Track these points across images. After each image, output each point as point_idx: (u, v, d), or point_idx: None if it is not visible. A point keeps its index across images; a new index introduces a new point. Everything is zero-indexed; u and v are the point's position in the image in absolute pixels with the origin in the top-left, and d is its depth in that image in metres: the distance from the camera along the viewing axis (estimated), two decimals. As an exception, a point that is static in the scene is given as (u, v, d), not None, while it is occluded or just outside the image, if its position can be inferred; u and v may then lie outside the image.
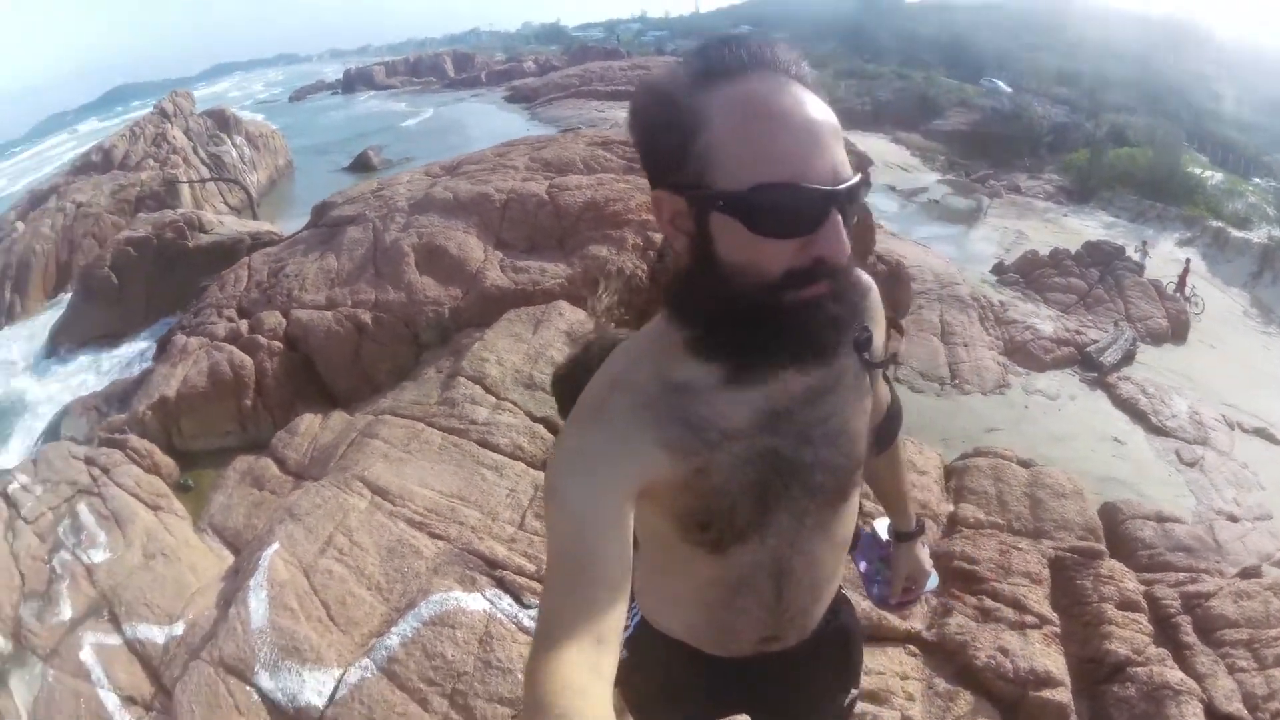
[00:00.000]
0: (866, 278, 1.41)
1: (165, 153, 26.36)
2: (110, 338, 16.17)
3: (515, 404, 5.48)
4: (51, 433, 11.02)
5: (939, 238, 22.61)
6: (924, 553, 2.00)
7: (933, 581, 2.06)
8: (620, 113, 33.17)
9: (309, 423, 7.53)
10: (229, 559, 6.10)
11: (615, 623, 1.00)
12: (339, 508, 5.08)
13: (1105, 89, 46.65)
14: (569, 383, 1.51)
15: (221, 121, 29.19)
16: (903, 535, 1.98)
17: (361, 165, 30.10)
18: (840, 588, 1.73)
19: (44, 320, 20.35)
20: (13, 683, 5.68)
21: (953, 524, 4.58)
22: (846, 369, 1.31)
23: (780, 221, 1.01)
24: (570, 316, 5.69)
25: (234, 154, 27.87)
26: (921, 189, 29.42)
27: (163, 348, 10.83)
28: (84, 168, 28.08)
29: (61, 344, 17.29)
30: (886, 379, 1.77)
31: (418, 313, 7.81)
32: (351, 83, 70.70)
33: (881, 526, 2.02)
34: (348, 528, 4.89)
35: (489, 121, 35.43)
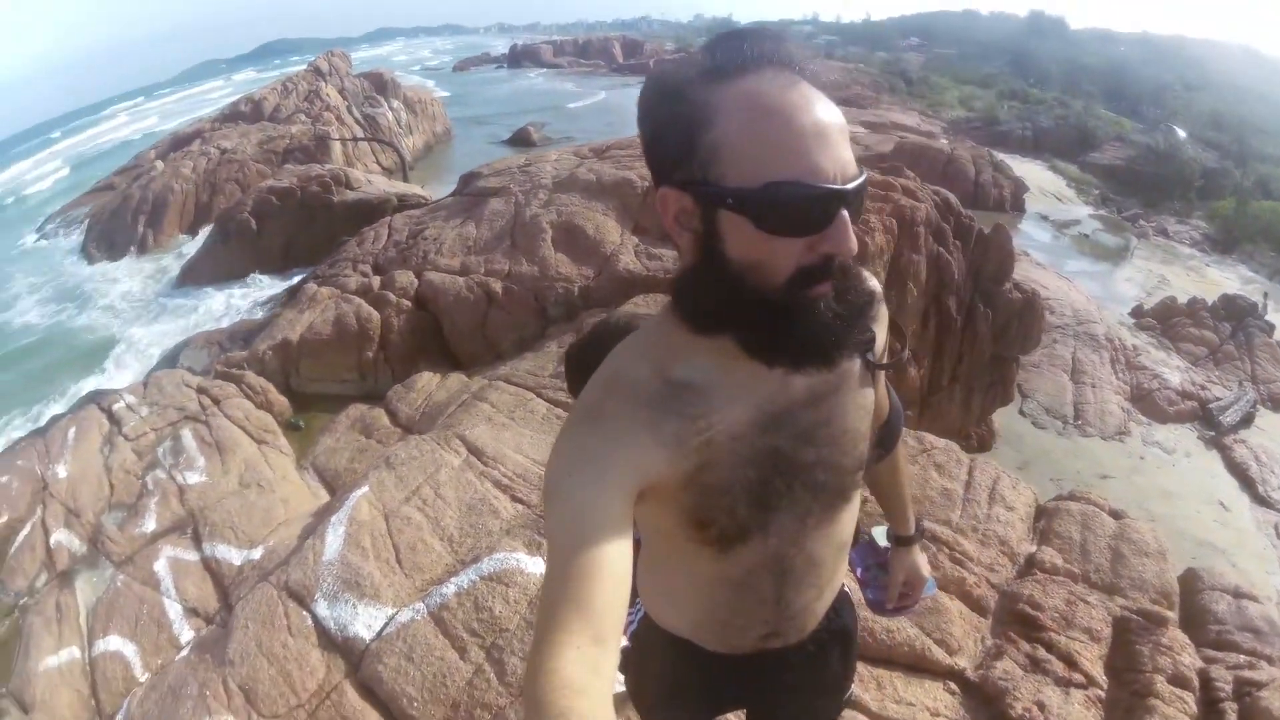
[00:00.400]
0: (873, 281, 1.39)
1: (318, 109, 27.38)
2: (240, 280, 16.92)
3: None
4: (169, 361, 11.45)
5: (1084, 273, 22.28)
6: (921, 558, 1.99)
7: (930, 588, 2.05)
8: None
9: (426, 380, 7.68)
10: (324, 499, 6.25)
11: (615, 622, 1.00)
12: (433, 461, 5.16)
13: (1257, 136, 45.35)
14: (579, 363, 1.55)
15: (379, 84, 30.17)
16: (901, 539, 1.97)
17: (521, 140, 30.71)
18: (843, 586, 1.74)
19: (174, 255, 21.57)
20: (78, 582, 5.96)
21: (1029, 566, 4.43)
22: (850, 371, 1.32)
23: (790, 219, 1.02)
24: None
25: (390, 117, 28.73)
26: (1074, 221, 29.00)
27: (293, 294, 11.26)
28: (231, 116, 29.62)
29: (191, 280, 18.25)
30: (888, 384, 1.76)
31: (548, 287, 7.92)
32: (518, 58, 72.36)
33: (879, 533, 2.02)
34: (437, 481, 4.96)
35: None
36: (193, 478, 6.81)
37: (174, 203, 23.49)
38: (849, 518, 1.49)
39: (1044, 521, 4.72)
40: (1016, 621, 4.08)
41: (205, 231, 20.68)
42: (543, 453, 5.07)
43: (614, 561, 1.02)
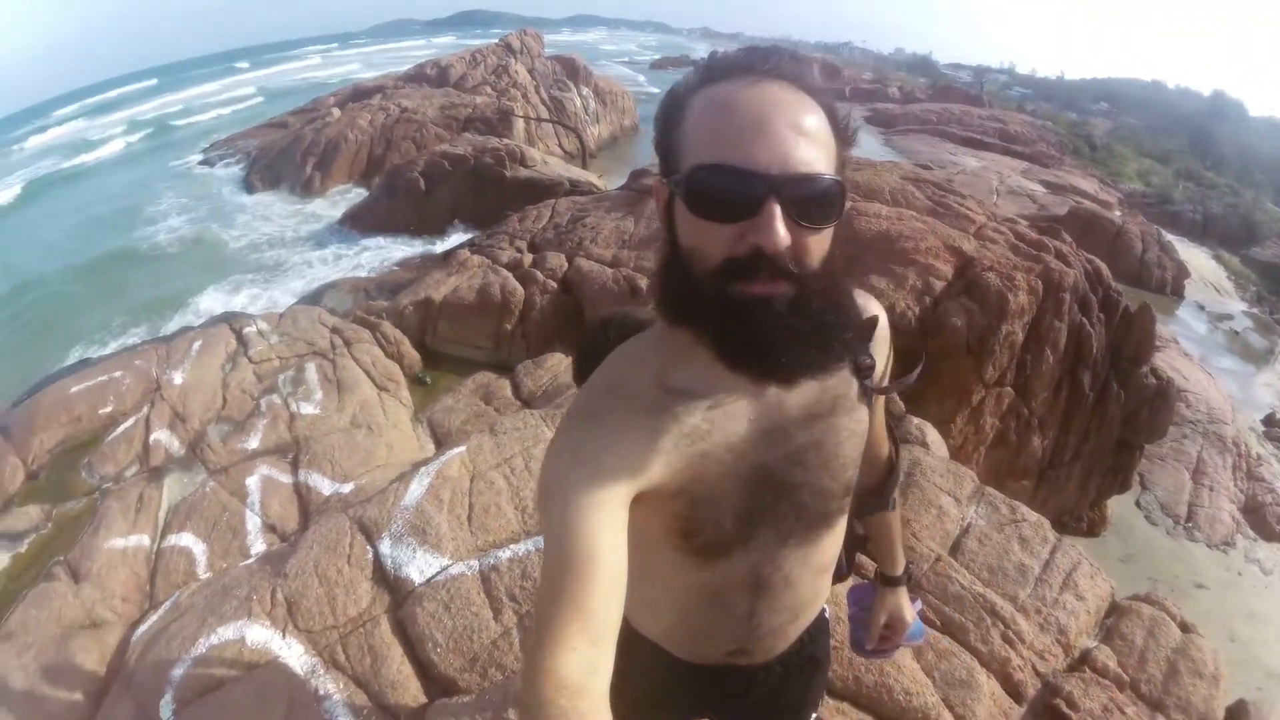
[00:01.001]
0: (873, 304, 1.44)
1: (505, 85, 28.10)
2: (398, 235, 17.55)
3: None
4: (311, 299, 12.00)
5: (1227, 371, 21.24)
6: (905, 602, 2.00)
7: (915, 633, 2.05)
8: (973, 160, 32.51)
9: (556, 360, 7.86)
10: (430, 452, 6.45)
11: (612, 623, 1.05)
12: (533, 435, 5.27)
13: None
14: (590, 356, 1.52)
15: (571, 69, 30.68)
16: (887, 580, 1.98)
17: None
18: (824, 614, 1.77)
19: (334, 201, 22.59)
20: (167, 479, 6.39)
21: (1081, 661, 4.29)
22: (845, 393, 1.35)
23: (713, 203, 1.06)
24: None
25: (577, 103, 29.21)
26: (1228, 315, 27.47)
27: (445, 257, 11.62)
28: (415, 77, 30.99)
29: (351, 225, 19.09)
30: (893, 435, 1.77)
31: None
32: (720, 66, 72.87)
33: None
34: (530, 454, 5.04)
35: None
36: (306, 408, 7.19)
37: (346, 150, 24.62)
38: (831, 543, 1.51)
39: (1113, 618, 4.60)
40: (1048, 716, 4.02)
41: (373, 184, 21.55)
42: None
43: (610, 563, 1.07)
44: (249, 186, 27.29)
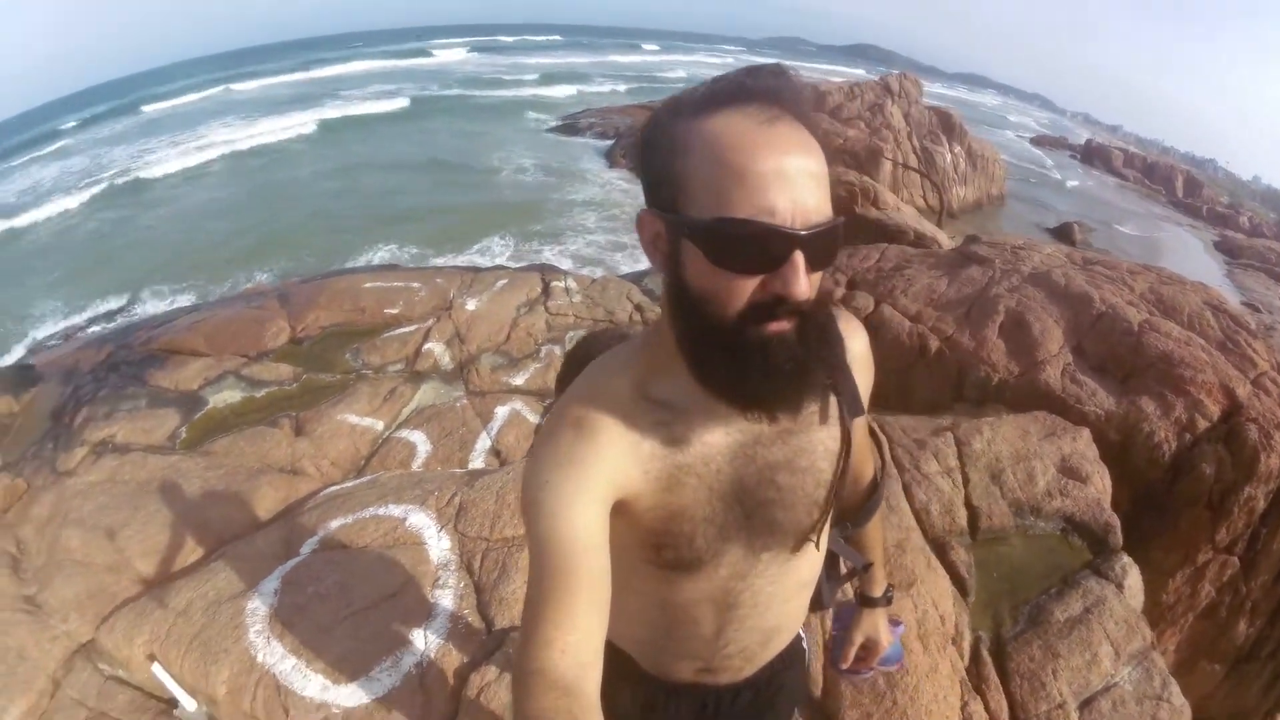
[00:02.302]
0: (854, 326, 1.46)
1: (879, 124, 27.83)
2: None
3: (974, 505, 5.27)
4: (635, 278, 12.46)
5: None
6: (883, 624, 2.01)
7: (892, 658, 2.08)
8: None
9: None
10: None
11: (599, 626, 1.09)
12: None
13: None
14: (570, 370, 1.60)
15: (946, 124, 30.07)
16: (866, 600, 1.99)
17: (1063, 235, 29.61)
18: (801, 642, 1.81)
19: None
20: (425, 385, 7.03)
21: None
22: (821, 410, 1.37)
23: (740, 257, 1.06)
24: (1085, 451, 5.40)
25: (948, 159, 28.62)
26: None
27: None
28: None
29: None
30: (881, 454, 1.71)
31: (974, 366, 7.83)
32: (1091, 154, 69.37)
33: None
34: None
35: (1188, 260, 32.83)
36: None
37: None
38: (806, 565, 1.52)
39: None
40: None
41: None
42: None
43: (595, 567, 1.12)
44: (610, 160, 28.59)
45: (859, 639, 2.00)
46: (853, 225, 15.92)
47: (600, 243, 21.12)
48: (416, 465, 6.09)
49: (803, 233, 1.03)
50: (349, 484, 5.58)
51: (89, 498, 5.88)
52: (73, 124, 60.66)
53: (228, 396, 7.51)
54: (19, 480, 6.60)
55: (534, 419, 6.49)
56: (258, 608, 4.28)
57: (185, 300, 18.90)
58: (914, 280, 9.79)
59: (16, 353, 16.97)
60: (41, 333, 18.78)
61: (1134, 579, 4.43)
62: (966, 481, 5.06)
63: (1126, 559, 4.50)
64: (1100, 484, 4.98)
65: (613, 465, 1.21)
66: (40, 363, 9.97)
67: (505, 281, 9.15)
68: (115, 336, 10.39)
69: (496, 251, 20.00)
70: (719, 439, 1.28)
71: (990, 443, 5.29)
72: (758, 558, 1.41)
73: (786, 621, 1.61)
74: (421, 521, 4.66)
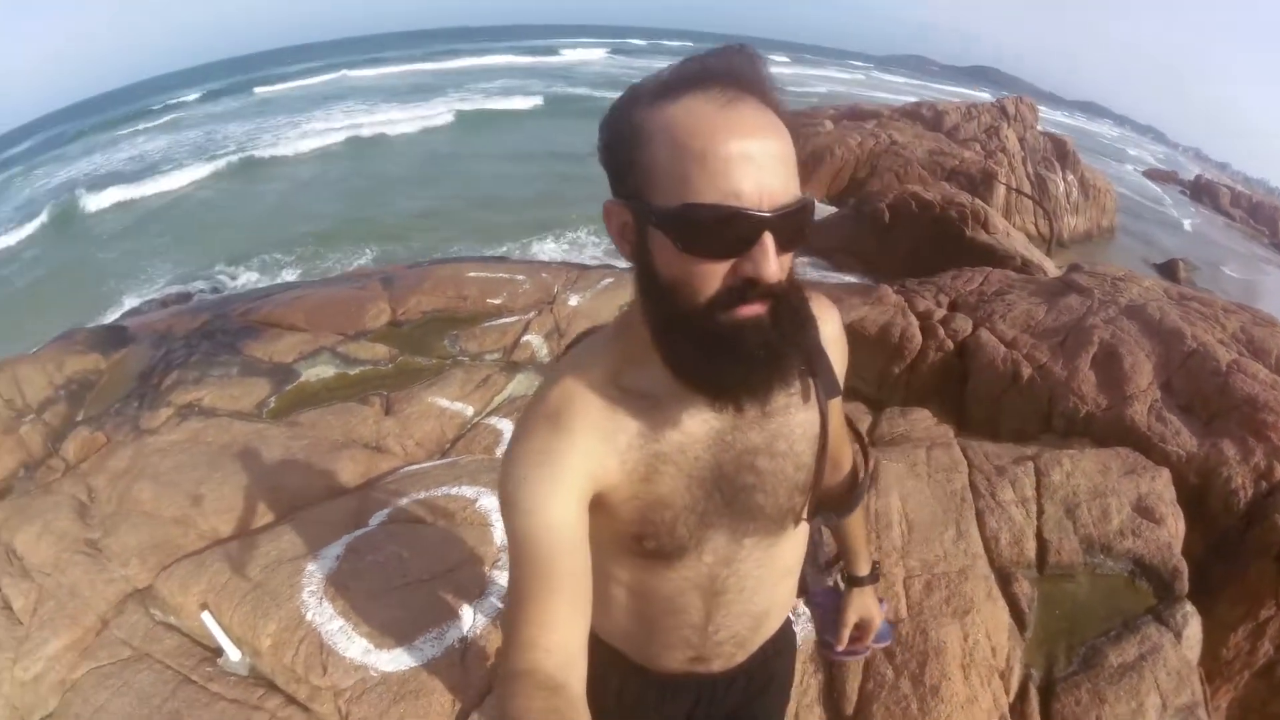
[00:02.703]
0: (826, 307, 1.46)
1: (994, 147, 27.50)
2: (844, 257, 18.03)
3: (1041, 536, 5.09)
4: None
5: None
6: (873, 601, 1.99)
7: (884, 634, 2.06)
8: None
9: (922, 417, 7.76)
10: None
11: (581, 622, 1.10)
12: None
13: None
14: None
15: (1060, 151, 29.48)
16: (854, 580, 1.96)
17: (1168, 272, 28.93)
18: (792, 624, 1.82)
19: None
20: (520, 375, 7.54)
21: None
22: (798, 393, 1.35)
23: (708, 242, 1.05)
24: (1162, 492, 5.21)
25: (1060, 187, 28.06)
26: None
27: (869, 288, 11.83)
28: (910, 114, 31.46)
29: (812, 242, 19.46)
30: (860, 440, 1.75)
31: (1064, 396, 7.70)
32: (1199, 191, 67.57)
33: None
34: None
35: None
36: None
37: (830, 164, 25.37)
38: (790, 548, 1.52)
39: None
40: None
41: (846, 204, 22.22)
42: (919, 510, 4.99)
43: (574, 563, 1.13)
44: None
45: (853, 619, 1.97)
46: (961, 247, 15.94)
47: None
48: (499, 452, 6.13)
49: (770, 214, 1.02)
50: (429, 464, 5.69)
51: (168, 455, 6.07)
52: (190, 98, 63.28)
53: (321, 371, 7.75)
54: (99, 434, 6.90)
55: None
56: (315, 570, 4.38)
57: (288, 276, 19.33)
58: (1013, 306, 9.68)
59: (112, 314, 17.58)
60: (139, 297, 19.41)
61: (1194, 629, 4.25)
62: (1040, 513, 4.94)
63: (1189, 607, 4.32)
64: (1174, 527, 4.79)
65: (588, 458, 1.21)
66: (133, 325, 10.35)
67: (610, 280, 9.24)
68: (213, 306, 10.75)
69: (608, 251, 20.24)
70: (696, 426, 1.27)
71: (1069, 475, 5.16)
72: (741, 544, 1.40)
73: (775, 606, 1.61)
74: (492, 504, 4.71)
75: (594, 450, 1.21)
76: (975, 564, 4.42)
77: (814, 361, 1.36)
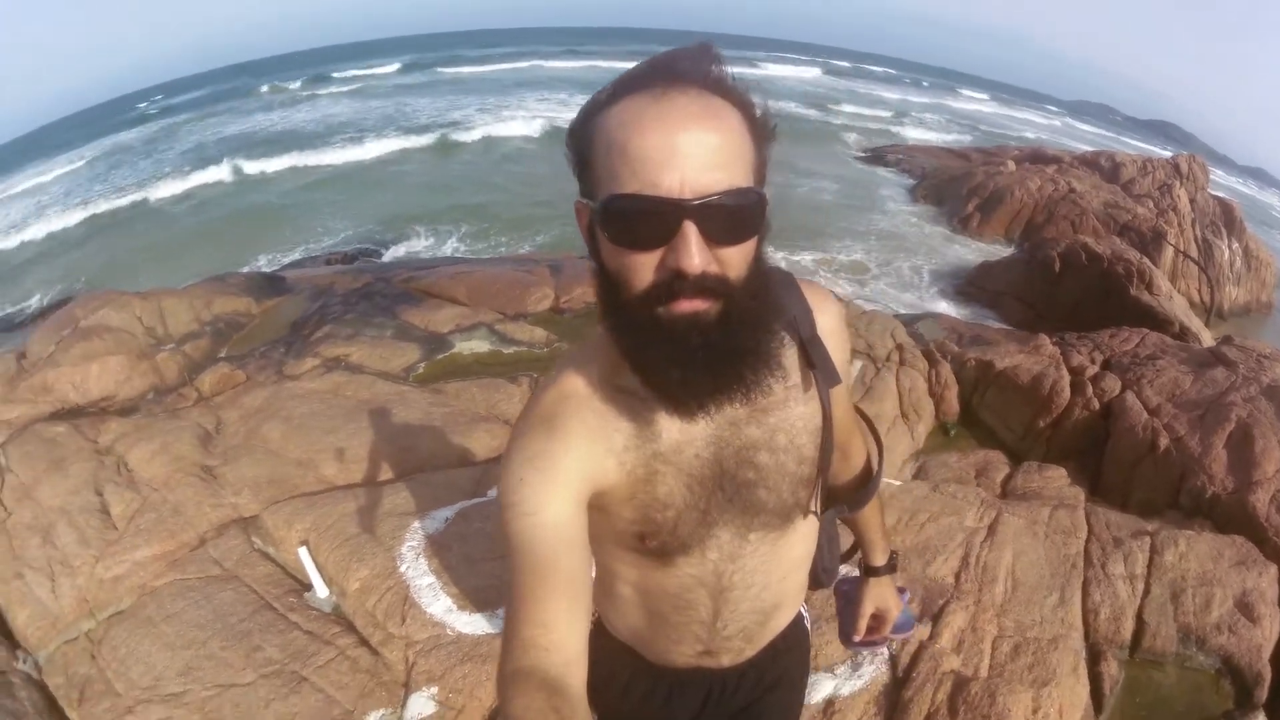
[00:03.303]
0: (824, 298, 1.42)
1: (1166, 205, 26.49)
2: (1011, 301, 17.87)
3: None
4: (909, 320, 12.79)
5: None
6: (891, 592, 1.94)
7: (905, 622, 2.02)
8: None
9: (1057, 475, 7.72)
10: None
11: (579, 623, 1.08)
12: (959, 526, 5.23)
13: None
14: None
15: (1228, 216, 28.07)
16: (870, 570, 1.92)
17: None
18: (804, 620, 1.81)
19: (978, 246, 23.57)
20: None
21: None
22: (794, 387, 1.33)
23: (630, 232, 1.04)
24: (1265, 590, 4.86)
25: (1225, 255, 26.86)
26: None
27: (1025, 336, 11.65)
28: (1089, 162, 30.54)
29: (974, 275, 19.85)
30: (874, 431, 1.69)
31: (1194, 473, 7.40)
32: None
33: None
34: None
35: None
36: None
37: (1009, 205, 25.06)
38: (798, 541, 1.50)
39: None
40: None
41: (1020, 246, 21.99)
42: (1029, 572, 4.86)
43: (573, 562, 1.12)
44: (914, 196, 29.61)
45: (869, 610, 1.94)
46: (1124, 305, 15.51)
47: (875, 273, 21.03)
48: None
49: (690, 202, 1.00)
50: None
51: (304, 402, 6.33)
52: (385, 69, 65.08)
53: (476, 346, 7.89)
54: (239, 372, 7.23)
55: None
56: (421, 528, 4.54)
57: (454, 250, 19.73)
58: (1162, 372, 9.39)
59: (272, 265, 18.49)
60: (303, 253, 20.24)
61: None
62: (1146, 593, 4.76)
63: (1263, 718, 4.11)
64: (1269, 630, 4.52)
65: (584, 460, 1.21)
66: (291, 276, 10.75)
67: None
68: (377, 270, 11.09)
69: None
70: (693, 424, 1.24)
71: (1182, 557, 4.96)
72: (746, 539, 1.39)
73: (784, 600, 1.59)
74: None
75: (590, 452, 1.22)
76: (1069, 635, 4.28)
77: (811, 352, 1.34)
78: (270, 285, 9.86)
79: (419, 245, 20.58)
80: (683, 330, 1.05)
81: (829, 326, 1.40)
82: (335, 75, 62.42)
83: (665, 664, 1.62)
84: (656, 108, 1.01)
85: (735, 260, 1.06)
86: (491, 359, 7.63)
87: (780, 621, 1.65)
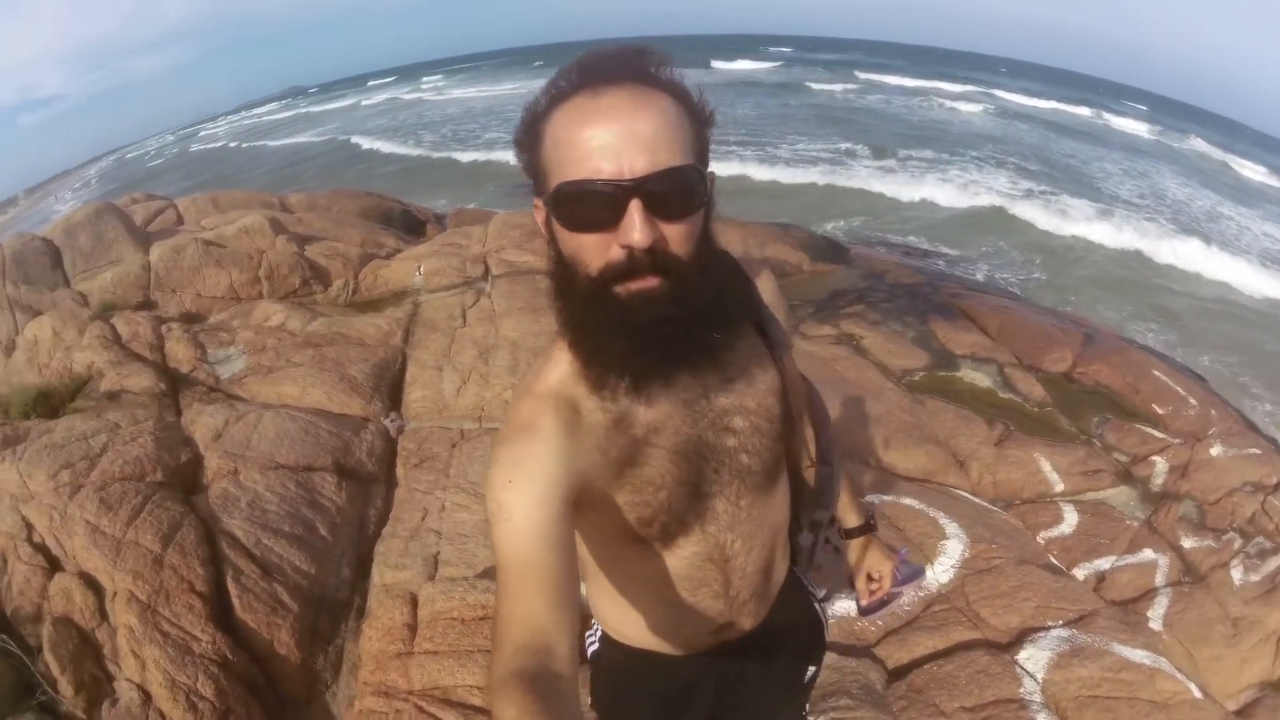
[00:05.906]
0: (756, 271, 1.45)
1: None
2: None
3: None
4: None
5: None
6: (878, 548, 1.93)
7: (913, 571, 2.00)
8: None
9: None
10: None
11: (567, 624, 1.04)
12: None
13: None
14: None
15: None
16: (848, 534, 1.92)
17: None
18: (798, 576, 1.76)
19: None
20: (1122, 487, 6.51)
21: None
22: (752, 353, 1.37)
23: (578, 216, 1.10)
24: None
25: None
26: None
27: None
28: None
29: None
30: (813, 392, 1.62)
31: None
32: None
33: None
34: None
35: None
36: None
37: None
38: (780, 497, 1.54)
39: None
40: None
41: None
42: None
43: (558, 562, 1.09)
44: None
45: (862, 571, 1.94)
46: None
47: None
48: (1053, 533, 5.64)
49: (628, 177, 1.05)
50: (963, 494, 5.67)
51: (798, 360, 6.41)
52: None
53: (979, 379, 7.56)
54: None
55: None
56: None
57: (1010, 279, 18.95)
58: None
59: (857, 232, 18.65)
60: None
61: None
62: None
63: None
64: None
65: (570, 457, 1.21)
66: (854, 251, 10.85)
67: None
68: (932, 274, 10.99)
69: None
70: (664, 404, 1.28)
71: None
72: (738, 505, 1.42)
73: (777, 551, 1.61)
74: (933, 527, 4.78)
75: (572, 450, 1.21)
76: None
77: (763, 317, 1.41)
78: (832, 251, 10.13)
79: (973, 267, 19.65)
80: (636, 306, 1.11)
81: (769, 298, 1.47)
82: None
83: (688, 653, 1.61)
84: (594, 104, 1.08)
85: (681, 236, 1.12)
86: (985, 397, 7.28)
87: (780, 571, 1.67)
